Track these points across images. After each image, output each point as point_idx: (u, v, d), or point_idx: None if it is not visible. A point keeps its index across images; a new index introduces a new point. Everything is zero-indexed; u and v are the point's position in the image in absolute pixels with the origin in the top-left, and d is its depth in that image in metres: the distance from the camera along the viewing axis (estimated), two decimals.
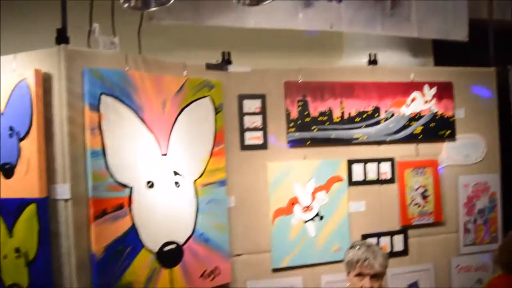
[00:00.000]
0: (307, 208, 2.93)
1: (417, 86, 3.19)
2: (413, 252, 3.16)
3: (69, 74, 2.25)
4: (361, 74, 3.13)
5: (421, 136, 3.18)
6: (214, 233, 2.67)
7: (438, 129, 3.22)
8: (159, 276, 2.45)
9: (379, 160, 3.11)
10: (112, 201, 2.32)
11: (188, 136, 2.60)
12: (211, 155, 2.68)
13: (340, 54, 3.62)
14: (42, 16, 2.76)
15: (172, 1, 2.35)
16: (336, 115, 3.02)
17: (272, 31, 3.04)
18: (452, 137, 3.27)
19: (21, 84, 2.23)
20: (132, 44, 2.62)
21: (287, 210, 2.90)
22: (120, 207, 2.34)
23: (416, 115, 3.18)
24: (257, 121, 2.89)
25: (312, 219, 2.94)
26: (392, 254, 3.05)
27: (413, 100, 3.18)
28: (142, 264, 2.39)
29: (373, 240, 2.99)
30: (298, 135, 2.94)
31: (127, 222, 2.36)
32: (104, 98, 2.31)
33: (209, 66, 2.78)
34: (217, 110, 2.72)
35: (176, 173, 2.54)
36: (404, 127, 3.15)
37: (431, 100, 3.22)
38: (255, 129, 2.89)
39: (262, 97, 2.90)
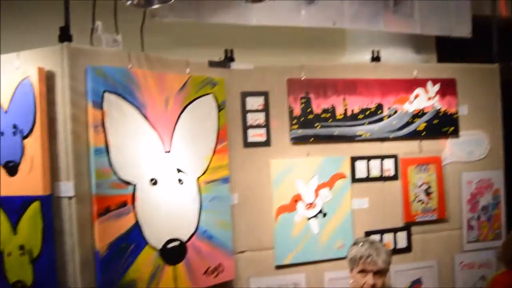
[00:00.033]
0: (310, 205, 2.94)
1: (420, 83, 3.19)
2: (417, 249, 3.16)
3: (72, 72, 2.25)
4: (364, 71, 3.13)
5: (424, 132, 3.18)
6: (218, 230, 2.67)
7: (442, 125, 3.22)
8: (162, 273, 2.46)
9: (382, 157, 3.11)
10: (116, 199, 2.33)
11: (191, 133, 2.60)
12: (214, 152, 2.68)
13: (343, 51, 3.62)
14: (44, 14, 2.77)
15: None
16: (339, 112, 3.02)
17: (275, 28, 3.04)
18: (455, 133, 3.26)
19: (25, 82, 2.23)
20: (135, 42, 2.62)
21: (290, 207, 2.90)
22: (124, 204, 2.35)
23: (419, 111, 3.17)
24: (260, 118, 2.90)
25: (315, 216, 2.94)
26: (396, 251, 3.05)
27: (416, 97, 3.18)
28: (145, 261, 2.40)
29: (376, 237, 2.99)
30: (301, 132, 2.94)
31: (130, 220, 2.37)
32: (107, 96, 2.31)
33: (212, 64, 2.78)
34: (220, 108, 2.72)
35: (179, 171, 2.55)
36: (407, 124, 3.15)
37: (434, 96, 3.21)
38: (258, 126, 2.89)
39: (265, 94, 2.90)
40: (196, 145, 2.62)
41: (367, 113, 3.06)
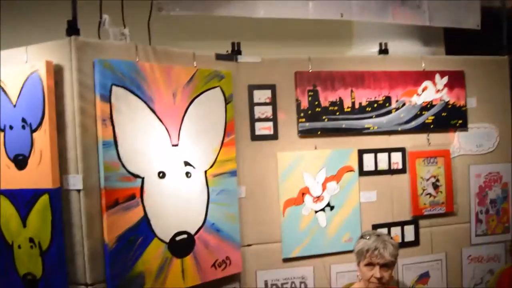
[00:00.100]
0: (318, 198, 2.94)
1: (429, 75, 3.17)
2: (424, 242, 3.15)
3: (80, 65, 2.26)
4: (372, 63, 3.11)
5: (432, 125, 3.16)
6: (225, 223, 2.68)
7: (450, 118, 3.20)
8: (170, 265, 2.47)
9: (390, 150, 3.10)
10: (124, 192, 2.34)
11: (198, 126, 2.60)
12: (222, 145, 2.68)
13: (350, 44, 3.60)
14: (52, 8, 2.77)
15: None
16: (347, 104, 3.01)
17: (282, 21, 3.03)
18: (464, 126, 3.24)
19: (33, 76, 2.24)
20: (142, 35, 2.62)
21: (298, 200, 2.90)
22: (132, 197, 2.36)
23: (427, 104, 3.16)
24: (267, 111, 2.89)
25: (322, 209, 2.94)
26: (403, 244, 3.04)
27: (424, 89, 3.16)
28: (154, 254, 2.41)
29: (384, 230, 2.99)
30: (308, 125, 2.93)
31: (139, 212, 2.38)
32: (115, 89, 2.32)
33: (219, 57, 2.78)
34: (228, 101, 2.72)
35: (187, 164, 2.55)
36: (416, 117, 3.13)
37: (442, 89, 3.19)
38: (265, 119, 2.88)
39: (272, 87, 2.90)
40: (204, 138, 2.62)
41: (375, 105, 3.05)
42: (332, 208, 2.96)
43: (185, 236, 2.53)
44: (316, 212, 2.93)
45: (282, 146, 2.90)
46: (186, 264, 2.53)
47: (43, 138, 2.23)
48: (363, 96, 3.03)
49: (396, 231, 3.08)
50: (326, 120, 2.96)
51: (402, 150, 3.12)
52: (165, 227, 2.46)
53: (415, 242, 3.13)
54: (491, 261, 3.28)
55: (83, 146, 2.26)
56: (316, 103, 2.95)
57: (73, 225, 2.26)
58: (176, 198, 2.50)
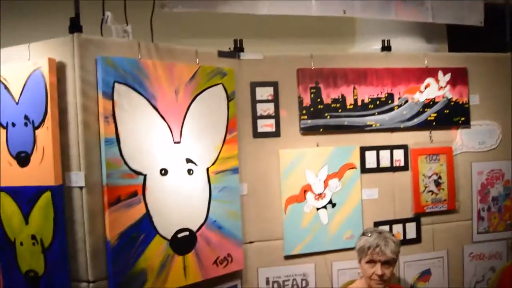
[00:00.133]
0: (320, 196, 2.94)
1: (431, 72, 3.16)
2: (426, 239, 3.15)
3: (82, 62, 2.26)
4: (374, 60, 3.10)
5: (435, 122, 3.15)
6: (227, 220, 2.68)
7: (453, 115, 3.19)
8: (172, 262, 2.48)
9: (392, 147, 3.09)
10: (126, 189, 2.34)
11: (201, 123, 2.60)
12: (224, 142, 2.68)
13: (353, 41, 3.59)
14: (54, 5, 2.77)
15: None
16: (349, 101, 3.00)
17: (284, 18, 3.02)
18: (466, 123, 3.24)
19: (36, 73, 2.24)
20: (144, 32, 2.62)
21: (300, 197, 2.90)
22: (134, 194, 2.36)
23: (430, 101, 3.15)
24: (269, 108, 2.89)
25: (324, 206, 2.94)
26: (405, 241, 3.04)
27: (427, 86, 3.15)
28: (155, 251, 2.42)
29: (385, 228, 2.99)
30: (310, 122, 2.93)
31: (141, 209, 2.38)
32: (117, 86, 2.32)
33: (222, 54, 2.78)
34: (230, 98, 2.72)
35: (189, 161, 2.55)
36: (418, 114, 3.13)
37: (445, 86, 3.18)
38: (267, 116, 2.88)
39: (274, 84, 2.89)
40: (206, 136, 2.62)
41: (377, 103, 3.05)
42: (334, 205, 2.96)
43: (187, 233, 2.53)
44: (318, 209, 2.93)
45: (284, 143, 2.90)
46: (188, 261, 2.53)
47: (45, 135, 2.23)
48: (365, 93, 3.03)
49: (397, 228, 3.09)
50: (328, 117, 2.96)
51: (404, 147, 3.12)
52: (167, 224, 2.47)
53: (417, 240, 3.13)
54: (492, 259, 3.28)
55: (85, 143, 2.26)
56: (319, 100, 2.95)
57: (75, 222, 2.27)
58: (178, 195, 2.51)
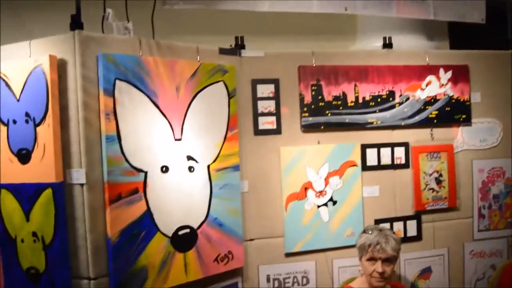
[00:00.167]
0: (321, 193, 2.94)
1: (433, 70, 3.15)
2: (427, 237, 3.15)
3: (83, 59, 2.25)
4: (376, 57, 3.10)
5: (436, 120, 3.15)
6: (228, 217, 2.68)
7: (454, 113, 3.19)
8: (173, 260, 2.48)
9: (393, 145, 3.09)
10: (127, 186, 2.34)
11: (202, 121, 2.60)
12: (225, 140, 2.68)
13: (354, 38, 3.59)
14: (55, 2, 2.77)
15: None
16: (350, 99, 3.00)
17: (286, 15, 3.02)
18: (467, 121, 3.23)
19: (36, 70, 2.24)
20: (145, 29, 2.61)
21: (300, 195, 2.90)
22: (135, 191, 2.36)
23: (431, 99, 3.15)
24: (270, 105, 2.89)
25: (325, 204, 2.94)
26: (406, 239, 3.05)
27: (428, 84, 3.15)
28: (156, 248, 2.42)
29: (386, 225, 2.99)
30: (311, 119, 2.93)
31: (142, 206, 2.38)
32: (118, 83, 2.32)
33: (223, 51, 2.77)
34: (231, 95, 2.72)
35: (190, 158, 2.55)
36: (419, 111, 3.13)
37: (446, 83, 3.18)
38: (268, 113, 2.88)
39: (275, 81, 2.89)
40: (207, 133, 2.62)
41: (378, 100, 3.04)
42: (334, 202, 2.96)
43: (187, 230, 2.53)
44: (318, 206, 2.94)
45: (285, 140, 2.90)
46: (189, 258, 2.53)
47: (46, 132, 2.23)
48: (366, 91, 3.02)
49: (398, 226, 3.09)
50: (329, 114, 2.96)
51: (405, 145, 3.11)
52: (168, 221, 2.47)
53: (418, 237, 3.13)
54: (493, 256, 3.28)
55: (86, 140, 2.26)
56: (320, 97, 2.94)
57: (76, 219, 2.27)
58: (179, 192, 2.51)
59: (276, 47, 2.98)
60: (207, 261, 2.60)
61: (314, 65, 2.95)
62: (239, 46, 2.85)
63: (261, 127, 2.87)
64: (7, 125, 2.34)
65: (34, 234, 2.28)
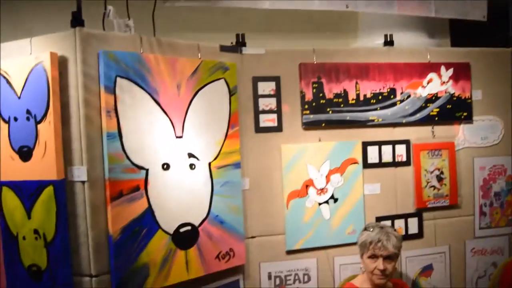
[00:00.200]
0: (322, 191, 2.94)
1: (434, 67, 3.15)
2: (428, 235, 3.15)
3: (84, 56, 2.25)
4: (377, 55, 3.10)
5: (437, 118, 3.15)
6: (229, 215, 2.68)
7: (455, 110, 3.19)
8: (174, 257, 2.48)
9: (394, 142, 3.09)
10: (128, 183, 2.34)
11: (203, 118, 2.60)
12: (226, 137, 2.68)
13: (355, 35, 3.58)
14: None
15: None
16: (351, 96, 3.00)
17: (287, 12, 3.01)
18: (469, 119, 3.23)
19: (37, 68, 2.24)
20: (146, 27, 2.61)
21: (302, 192, 2.90)
22: (136, 188, 2.36)
23: (432, 96, 3.14)
24: (271, 103, 2.89)
25: (326, 201, 2.94)
26: (407, 236, 3.05)
27: (429, 81, 3.15)
28: (158, 245, 2.42)
29: (387, 223, 2.99)
30: (312, 117, 2.93)
31: (143, 204, 2.38)
32: (119, 81, 2.32)
33: (224, 48, 2.77)
34: (232, 93, 2.71)
35: (191, 155, 2.55)
36: (420, 109, 3.12)
37: (447, 81, 3.18)
38: (269, 111, 2.88)
39: (276, 79, 2.89)
40: (208, 130, 2.62)
41: (379, 98, 3.04)
42: (336, 200, 2.96)
43: (189, 227, 2.53)
44: (320, 204, 2.93)
45: (286, 138, 2.90)
46: (190, 256, 2.53)
47: (47, 130, 2.23)
48: (367, 88, 3.02)
49: (399, 223, 3.09)
50: (330, 112, 2.96)
51: (406, 142, 3.11)
52: (169, 218, 2.47)
53: (419, 235, 3.13)
54: (494, 254, 3.28)
55: (87, 137, 2.26)
56: (321, 95, 2.94)
57: (77, 217, 2.27)
58: (180, 189, 2.51)
59: (277, 45, 2.97)
60: (209, 259, 2.60)
61: (315, 62, 2.94)
62: (240, 43, 2.85)
63: (262, 124, 2.87)
64: (8, 122, 2.34)
65: (36, 231, 2.28)
